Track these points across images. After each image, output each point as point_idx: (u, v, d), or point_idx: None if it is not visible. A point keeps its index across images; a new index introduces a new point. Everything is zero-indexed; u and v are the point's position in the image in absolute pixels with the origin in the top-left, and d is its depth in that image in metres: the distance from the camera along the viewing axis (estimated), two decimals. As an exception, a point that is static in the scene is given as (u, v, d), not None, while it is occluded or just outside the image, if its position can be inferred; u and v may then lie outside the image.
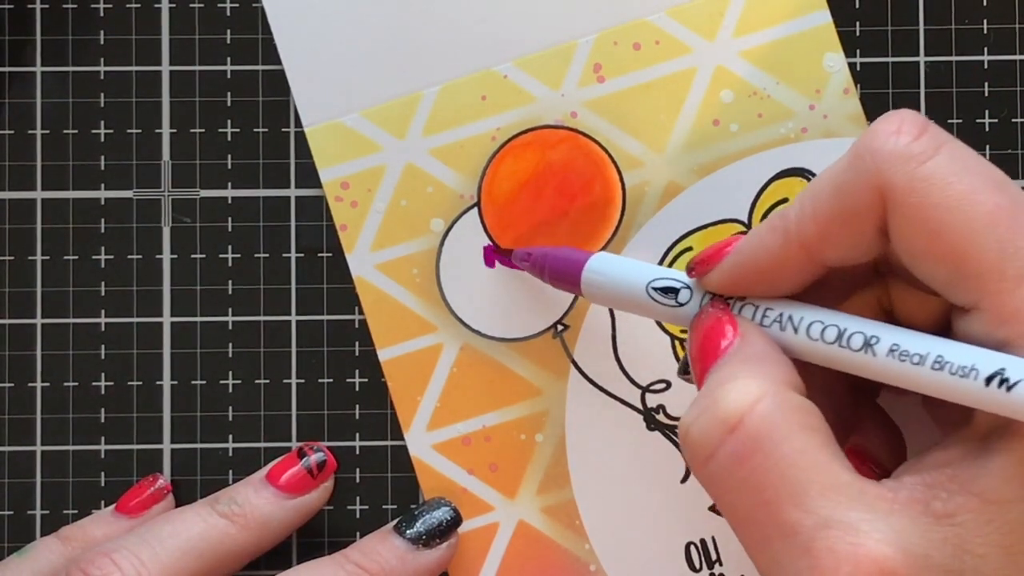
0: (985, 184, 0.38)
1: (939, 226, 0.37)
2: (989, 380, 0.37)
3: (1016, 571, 0.37)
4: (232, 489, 0.51)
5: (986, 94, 0.53)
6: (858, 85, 0.53)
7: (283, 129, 0.53)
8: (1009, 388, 0.37)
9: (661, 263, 0.52)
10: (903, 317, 0.43)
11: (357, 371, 0.53)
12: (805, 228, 0.40)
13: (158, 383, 0.53)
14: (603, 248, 0.52)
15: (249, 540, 0.49)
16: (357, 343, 0.53)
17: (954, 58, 0.53)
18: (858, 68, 0.53)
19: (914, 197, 0.38)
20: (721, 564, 0.52)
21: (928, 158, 0.38)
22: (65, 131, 0.53)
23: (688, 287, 0.44)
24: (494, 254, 0.52)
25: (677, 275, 0.44)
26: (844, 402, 0.43)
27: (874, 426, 0.44)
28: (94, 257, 0.53)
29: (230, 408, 0.53)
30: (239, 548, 0.49)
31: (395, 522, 0.51)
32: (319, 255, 0.53)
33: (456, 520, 0.51)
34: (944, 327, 0.41)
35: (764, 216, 0.52)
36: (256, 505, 0.50)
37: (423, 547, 0.50)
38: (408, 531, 0.50)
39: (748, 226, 0.52)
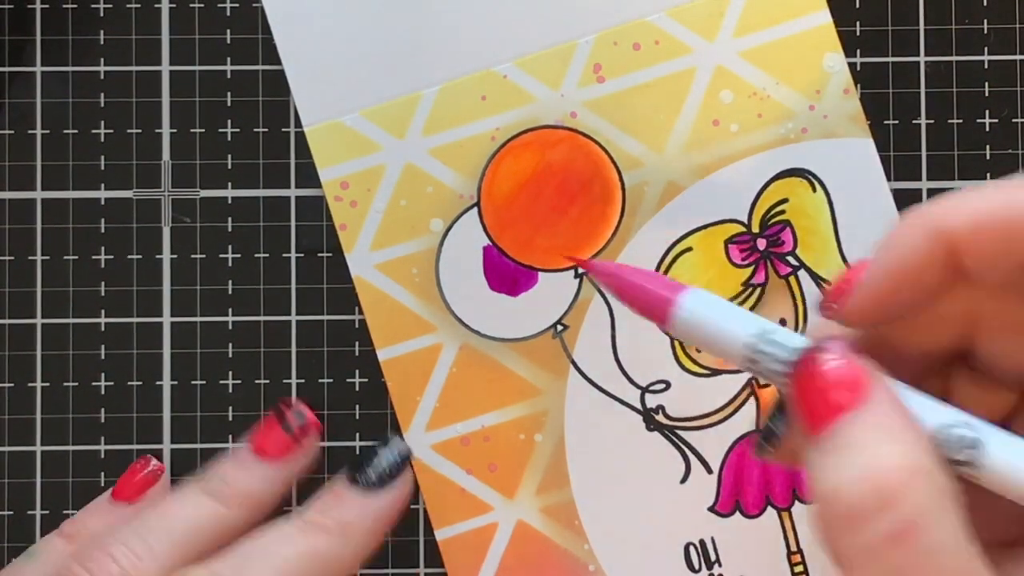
0: None
1: None
2: None
3: None
4: (219, 467, 0.50)
5: (986, 94, 0.53)
6: (858, 85, 0.53)
7: (283, 129, 0.53)
8: None
9: (660, 263, 0.52)
10: (987, 368, 0.39)
11: (357, 371, 0.53)
12: (953, 217, 0.36)
13: (158, 383, 0.53)
14: (604, 248, 0.52)
15: (241, 516, 0.49)
16: (357, 343, 0.53)
17: (954, 58, 0.53)
18: (858, 68, 0.53)
19: None
20: (720, 565, 0.52)
21: None
22: (65, 131, 0.53)
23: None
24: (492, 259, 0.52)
25: (783, 339, 0.38)
26: None
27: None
28: (94, 257, 0.53)
29: (230, 408, 0.53)
30: (232, 526, 0.49)
31: (347, 471, 0.50)
32: (319, 255, 0.53)
33: (406, 455, 0.51)
34: (1005, 422, 0.39)
35: (764, 217, 0.52)
36: (244, 480, 0.50)
37: (379, 490, 0.50)
38: (361, 478, 0.50)
39: (748, 226, 0.52)
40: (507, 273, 0.53)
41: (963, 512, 0.35)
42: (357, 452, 0.52)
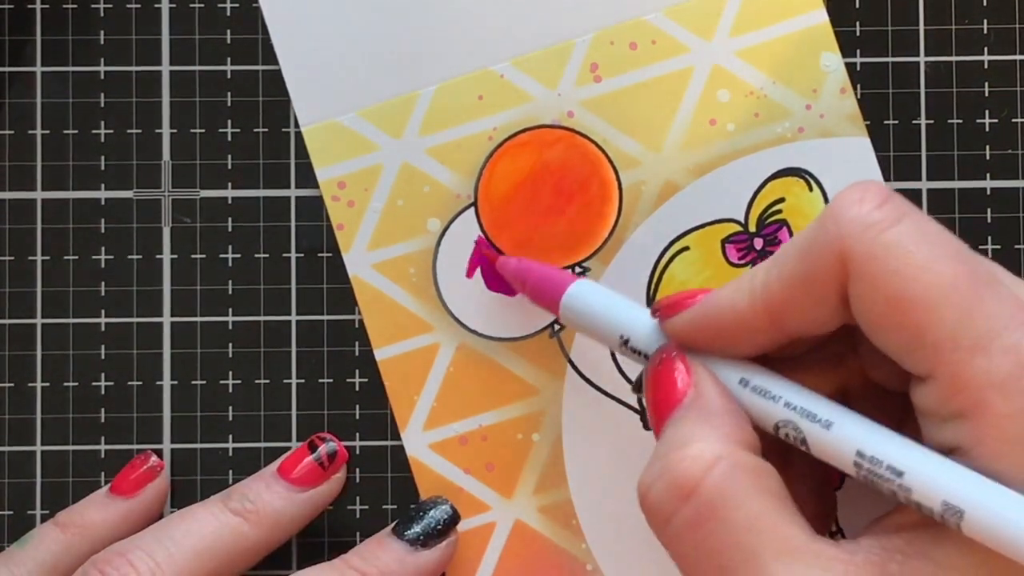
0: (945, 254, 0.38)
1: (897, 293, 0.38)
2: (942, 513, 0.38)
3: None
4: (244, 485, 0.51)
5: (986, 94, 0.53)
6: (858, 85, 0.53)
7: (283, 129, 0.53)
8: (959, 524, 0.37)
9: (658, 263, 0.52)
10: (874, 378, 0.43)
11: (357, 371, 0.53)
12: (770, 291, 0.40)
13: (158, 383, 0.53)
14: (601, 248, 0.52)
15: (262, 537, 0.50)
16: (357, 343, 0.53)
17: (954, 58, 0.53)
18: (858, 68, 0.53)
19: (874, 264, 0.38)
20: (718, 564, 0.52)
21: (889, 226, 0.38)
22: (65, 131, 0.53)
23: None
24: (482, 254, 0.52)
25: (647, 331, 0.45)
26: None
27: None
28: (94, 257, 0.53)
29: (230, 408, 0.53)
30: (252, 545, 0.50)
31: (393, 524, 0.51)
32: (319, 255, 0.53)
33: (454, 518, 0.51)
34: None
35: (760, 216, 0.52)
36: (268, 501, 0.50)
37: (422, 547, 0.50)
38: (406, 533, 0.50)
39: (744, 226, 0.52)
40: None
41: (775, 488, 0.39)
42: (410, 507, 0.52)
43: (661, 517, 0.39)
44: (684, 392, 0.41)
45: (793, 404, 0.40)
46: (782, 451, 0.42)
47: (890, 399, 0.42)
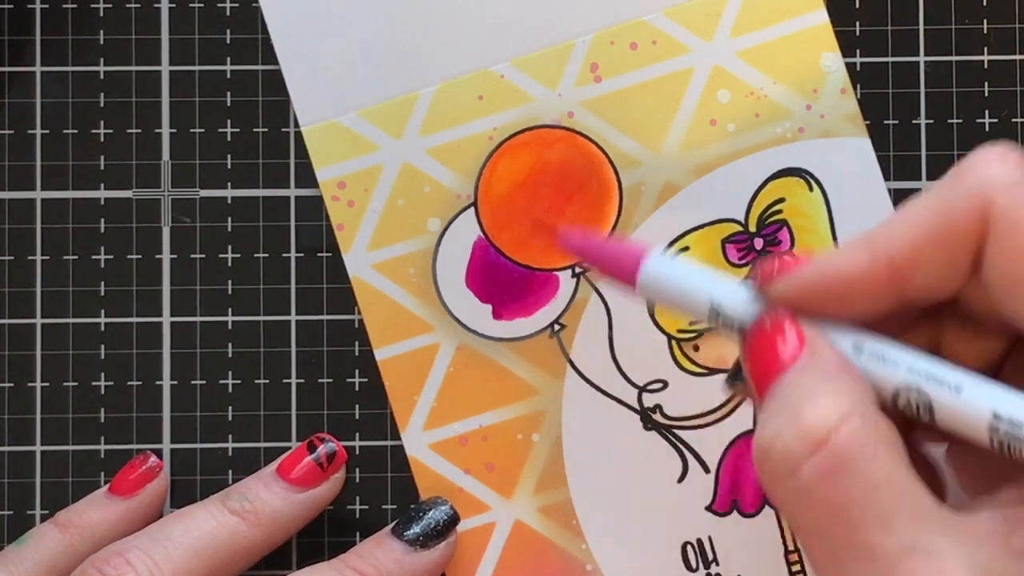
0: None
1: None
2: None
3: None
4: (242, 485, 0.51)
5: (986, 94, 0.53)
6: (858, 85, 0.53)
7: (283, 129, 0.53)
8: None
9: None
10: (951, 358, 0.41)
11: (357, 371, 0.53)
12: (896, 248, 0.38)
13: (158, 383, 0.53)
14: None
15: (260, 537, 0.50)
16: (357, 343, 0.53)
17: (954, 58, 0.53)
18: (858, 68, 0.53)
19: (1020, 217, 0.36)
20: (718, 564, 0.52)
21: None
22: (65, 131, 0.53)
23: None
24: (485, 253, 0.52)
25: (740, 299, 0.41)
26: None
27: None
28: (94, 257, 0.53)
29: (230, 408, 0.53)
30: (251, 545, 0.50)
31: (393, 524, 0.51)
32: (319, 255, 0.53)
33: (454, 519, 0.51)
34: (992, 370, 0.40)
35: (761, 216, 0.52)
36: (267, 501, 0.50)
37: (421, 548, 0.50)
38: (406, 533, 0.50)
39: (745, 226, 0.52)
40: (504, 273, 0.53)
41: (903, 451, 0.37)
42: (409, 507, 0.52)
43: (787, 468, 0.37)
44: (796, 355, 0.39)
45: (917, 369, 0.38)
46: None
47: (981, 342, 0.41)
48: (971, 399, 0.37)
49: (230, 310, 0.53)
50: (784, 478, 0.37)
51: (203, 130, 0.53)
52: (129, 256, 0.53)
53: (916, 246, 0.38)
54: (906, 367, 0.38)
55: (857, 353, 0.39)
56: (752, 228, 0.52)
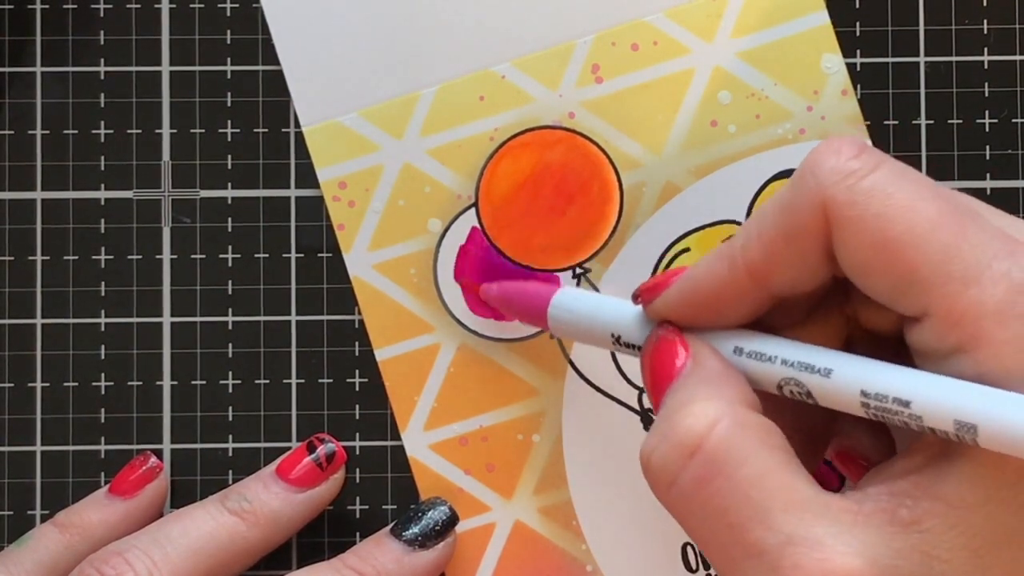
0: (925, 194, 0.38)
1: (882, 235, 0.37)
2: (957, 432, 0.37)
3: (983, 574, 0.37)
4: (242, 485, 0.51)
5: (986, 94, 0.53)
6: (858, 86, 0.53)
7: (283, 129, 0.53)
8: (974, 439, 0.37)
9: (658, 264, 0.52)
10: (870, 327, 0.42)
11: (357, 371, 0.53)
12: (751, 251, 0.40)
13: (158, 383, 0.53)
14: (602, 249, 0.52)
15: (259, 537, 0.50)
16: (357, 343, 0.53)
17: (954, 58, 0.53)
18: (858, 68, 0.53)
19: (856, 210, 0.38)
20: (718, 565, 0.52)
21: (868, 172, 0.38)
22: (65, 131, 0.53)
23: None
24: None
25: (637, 323, 0.44)
26: (817, 409, 0.43)
27: (856, 423, 0.44)
28: (94, 257, 0.53)
29: (230, 408, 0.53)
30: (250, 546, 0.50)
31: (392, 524, 0.51)
32: (319, 255, 0.53)
33: (453, 519, 0.51)
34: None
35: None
36: (266, 501, 0.50)
37: (420, 548, 0.50)
38: (404, 533, 0.51)
39: (745, 227, 0.52)
40: (504, 273, 0.53)
41: (780, 445, 0.39)
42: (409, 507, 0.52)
43: (666, 479, 0.39)
44: (682, 366, 0.41)
45: (790, 360, 0.40)
46: (779, 412, 0.42)
47: (890, 348, 0.42)
48: (840, 380, 0.39)
49: (230, 310, 0.53)
50: (666, 488, 0.39)
51: (203, 130, 0.53)
52: (129, 256, 0.53)
53: (769, 250, 0.40)
54: (780, 360, 0.40)
55: (738, 355, 0.41)
56: (753, 229, 0.52)
